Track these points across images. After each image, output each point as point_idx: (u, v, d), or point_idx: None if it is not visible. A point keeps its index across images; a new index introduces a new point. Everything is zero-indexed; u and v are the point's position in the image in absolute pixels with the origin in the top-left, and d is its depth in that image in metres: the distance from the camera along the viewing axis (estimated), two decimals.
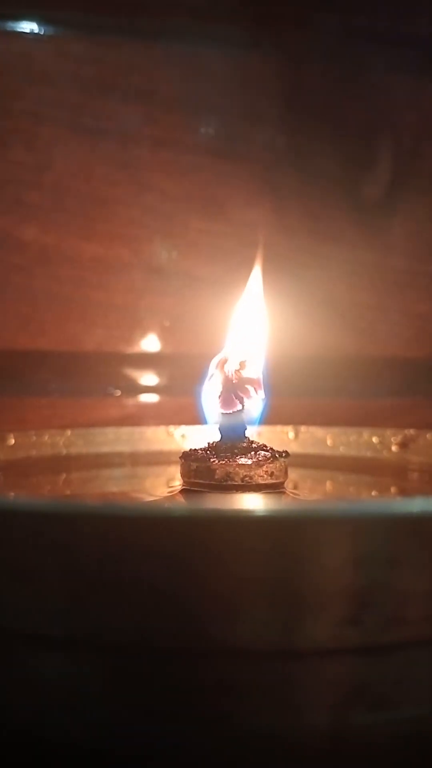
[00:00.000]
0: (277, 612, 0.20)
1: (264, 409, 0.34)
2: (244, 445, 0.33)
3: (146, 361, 0.53)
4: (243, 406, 0.33)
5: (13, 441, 0.42)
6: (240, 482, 0.31)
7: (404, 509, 0.20)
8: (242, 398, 0.33)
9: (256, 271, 0.38)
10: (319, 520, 0.19)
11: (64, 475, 0.41)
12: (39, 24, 0.51)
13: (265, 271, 0.36)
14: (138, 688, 0.21)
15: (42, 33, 0.52)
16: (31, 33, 0.51)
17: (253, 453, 0.32)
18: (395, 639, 0.20)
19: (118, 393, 0.53)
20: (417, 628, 0.20)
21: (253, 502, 0.31)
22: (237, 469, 0.32)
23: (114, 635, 0.20)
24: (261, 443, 0.33)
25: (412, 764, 0.23)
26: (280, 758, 0.21)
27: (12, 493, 0.36)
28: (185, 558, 0.19)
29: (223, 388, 0.33)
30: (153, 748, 0.22)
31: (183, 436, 0.45)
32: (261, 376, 0.34)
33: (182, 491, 0.33)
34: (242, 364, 0.33)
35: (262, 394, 0.34)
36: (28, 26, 0.51)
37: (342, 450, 0.44)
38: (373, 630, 0.20)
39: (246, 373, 0.33)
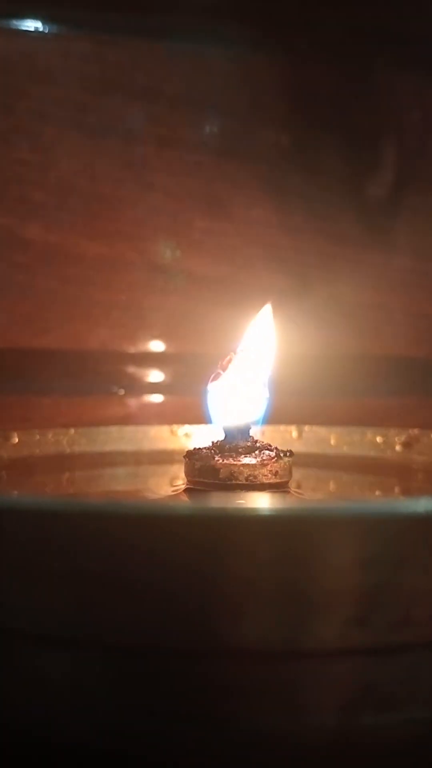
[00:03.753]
0: (284, 612, 0.20)
1: (268, 408, 0.34)
2: (249, 444, 0.32)
3: (150, 360, 0.53)
4: (247, 405, 0.33)
5: (16, 439, 0.42)
6: (244, 481, 0.31)
7: (411, 509, 0.20)
8: (246, 397, 0.33)
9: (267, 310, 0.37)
10: (326, 520, 0.19)
11: (67, 474, 0.41)
12: (43, 22, 0.51)
13: (270, 271, 0.36)
14: (143, 689, 0.21)
15: (46, 31, 0.52)
16: (35, 31, 0.51)
17: (257, 452, 0.32)
18: (402, 639, 0.20)
19: (122, 392, 0.53)
20: (424, 628, 0.20)
21: (259, 502, 0.31)
22: (241, 468, 0.31)
23: (118, 636, 0.20)
24: (265, 443, 0.33)
25: (421, 766, 0.23)
26: (286, 759, 0.21)
27: (15, 492, 0.36)
28: (191, 558, 0.19)
29: (228, 386, 0.33)
30: (158, 749, 0.21)
31: (186, 435, 0.44)
32: (265, 376, 0.34)
33: (186, 490, 0.33)
34: (247, 364, 0.33)
35: (266, 393, 0.34)
36: (31, 25, 0.51)
37: (345, 449, 0.44)
38: (380, 630, 0.20)
39: (251, 373, 0.33)
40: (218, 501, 0.30)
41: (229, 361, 0.33)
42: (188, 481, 0.33)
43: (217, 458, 0.32)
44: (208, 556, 0.19)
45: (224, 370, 0.33)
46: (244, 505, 0.28)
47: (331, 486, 0.40)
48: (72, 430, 0.43)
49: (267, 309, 0.36)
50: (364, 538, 0.20)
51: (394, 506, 0.20)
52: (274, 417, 0.35)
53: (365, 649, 0.20)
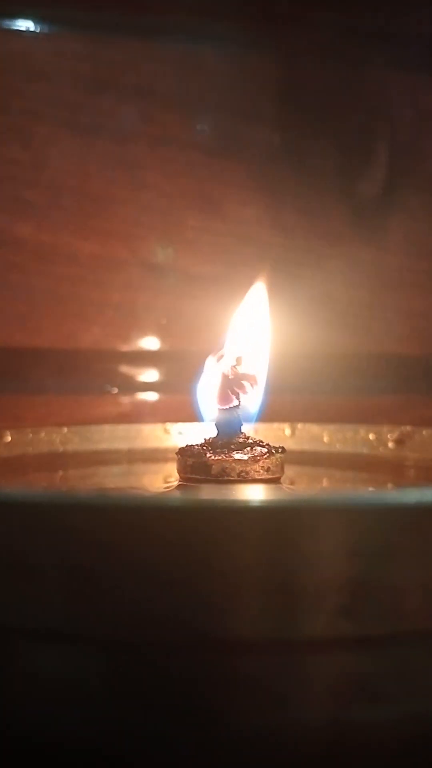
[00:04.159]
0: (272, 603, 0.20)
1: (262, 405, 0.34)
2: (241, 440, 0.33)
3: (143, 358, 0.53)
4: (239, 402, 0.33)
5: (9, 438, 0.42)
6: (236, 477, 0.31)
7: (400, 500, 0.20)
8: (238, 394, 0.33)
9: (260, 284, 0.37)
10: (314, 510, 0.19)
11: (60, 473, 0.41)
12: (36, 22, 0.51)
13: (261, 270, 0.37)
14: (133, 682, 0.21)
15: (39, 31, 0.52)
16: (28, 31, 0.51)
17: (249, 448, 0.32)
18: (390, 631, 0.20)
19: (115, 390, 0.53)
20: (412, 620, 0.20)
21: (248, 493, 0.31)
22: (233, 464, 0.32)
23: (110, 629, 0.20)
24: (257, 439, 0.33)
25: (411, 759, 0.23)
26: (276, 752, 0.21)
27: (7, 487, 0.36)
28: (182, 549, 0.19)
29: (220, 383, 0.33)
30: (151, 742, 0.21)
31: (180, 433, 0.44)
32: (258, 373, 0.34)
33: (178, 486, 0.33)
34: (238, 360, 0.33)
35: (259, 390, 0.34)
36: (24, 24, 0.51)
37: (338, 447, 0.44)
38: (368, 622, 0.20)
39: (242, 369, 0.33)
40: (207, 493, 0.30)
41: (221, 357, 0.33)
42: (181, 477, 0.33)
43: (209, 455, 0.32)
44: (198, 547, 0.19)
45: (217, 366, 0.33)
46: (234, 497, 0.28)
47: (324, 482, 0.40)
48: (65, 429, 0.43)
49: (260, 287, 0.36)
50: (353, 529, 0.20)
51: (382, 497, 0.20)
52: (267, 414, 0.35)
53: (353, 640, 0.20)
